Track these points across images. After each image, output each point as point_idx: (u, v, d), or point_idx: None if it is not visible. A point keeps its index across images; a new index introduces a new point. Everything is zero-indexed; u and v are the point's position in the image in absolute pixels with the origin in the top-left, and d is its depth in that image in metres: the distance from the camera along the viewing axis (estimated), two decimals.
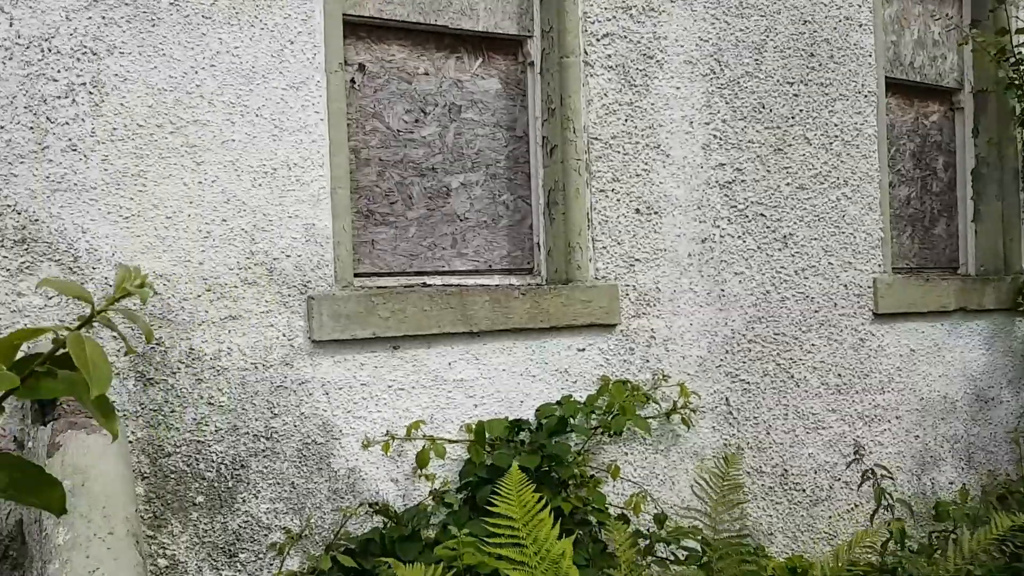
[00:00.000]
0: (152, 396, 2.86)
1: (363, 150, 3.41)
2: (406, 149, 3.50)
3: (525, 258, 3.75)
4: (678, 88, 3.95)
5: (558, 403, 3.52)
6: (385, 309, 3.20)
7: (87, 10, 2.82)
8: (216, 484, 2.95)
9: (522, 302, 3.48)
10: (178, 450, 2.89)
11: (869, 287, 4.55)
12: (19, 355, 0.89)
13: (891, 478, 4.56)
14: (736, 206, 4.11)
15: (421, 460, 3.20)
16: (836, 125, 4.47)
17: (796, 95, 4.33)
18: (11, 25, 2.73)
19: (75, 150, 2.79)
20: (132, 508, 1.64)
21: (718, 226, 4.05)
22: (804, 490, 4.34)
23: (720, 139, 4.07)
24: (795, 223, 4.31)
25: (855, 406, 4.53)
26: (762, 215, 4.19)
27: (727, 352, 4.07)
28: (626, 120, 3.81)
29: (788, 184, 4.29)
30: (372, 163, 3.43)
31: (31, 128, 2.74)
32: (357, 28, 3.40)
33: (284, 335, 3.06)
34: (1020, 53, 4.93)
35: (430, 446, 3.21)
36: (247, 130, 3.04)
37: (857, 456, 4.49)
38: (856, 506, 4.52)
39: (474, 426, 3.32)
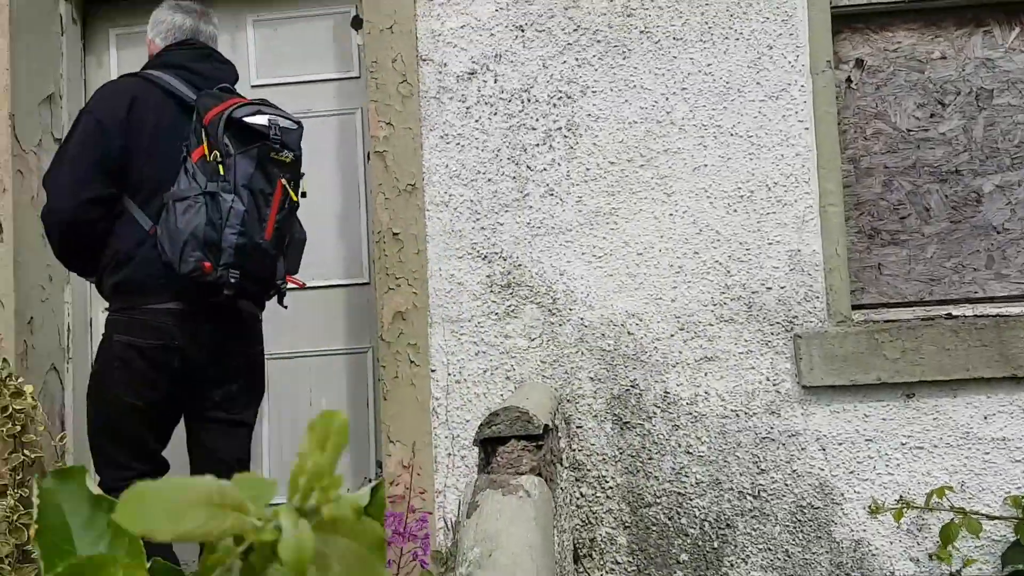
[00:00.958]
0: (629, 441, 2.73)
1: (863, 158, 2.89)
2: (919, 151, 2.88)
3: None
4: None
5: None
6: (893, 348, 2.64)
7: (561, 55, 2.85)
8: (700, 543, 2.69)
9: None
10: (658, 501, 2.71)
11: None
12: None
13: None
14: None
15: (946, 536, 2.55)
16: None
17: None
18: (495, 81, 2.87)
19: (552, 194, 2.82)
20: None
21: None
22: None
23: None
24: None
25: None
26: None
27: None
28: None
29: None
30: (875, 172, 2.88)
31: (513, 178, 2.84)
32: (850, 19, 2.91)
33: (768, 379, 2.70)
34: None
35: (960, 520, 2.54)
36: (720, 152, 2.77)
37: None
38: None
39: (1022, 500, 2.54)
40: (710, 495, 2.69)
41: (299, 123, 2.26)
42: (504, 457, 1.83)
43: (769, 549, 2.67)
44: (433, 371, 2.80)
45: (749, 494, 2.68)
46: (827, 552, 2.66)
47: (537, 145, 2.84)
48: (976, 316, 2.74)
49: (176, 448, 2.41)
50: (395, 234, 2.82)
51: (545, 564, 1.56)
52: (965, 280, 2.84)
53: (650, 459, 2.72)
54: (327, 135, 3.29)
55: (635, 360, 2.74)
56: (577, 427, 2.74)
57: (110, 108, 2.18)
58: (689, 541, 2.69)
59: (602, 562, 2.70)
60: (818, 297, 2.70)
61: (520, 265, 2.81)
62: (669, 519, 2.70)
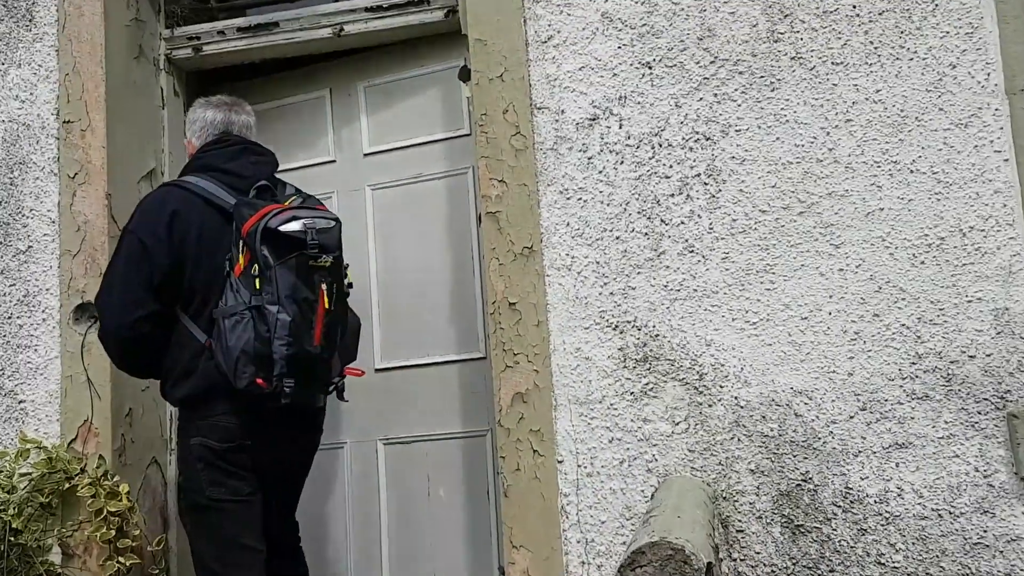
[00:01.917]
0: (804, 548, 2.24)
1: None
2: None
3: None
4: None
5: None
6: None
7: (697, 91, 2.47)
8: None
9: None
10: None
11: None
12: None
13: None
14: None
15: None
16: None
17: None
18: (620, 127, 2.51)
19: (692, 251, 2.41)
20: None
21: None
22: None
23: None
24: None
25: None
26: None
27: None
28: None
29: None
30: None
31: (646, 234, 2.45)
32: None
33: (976, 469, 2.17)
34: None
35: None
36: (898, 193, 2.30)
37: None
38: None
39: None
40: None
41: (336, 219, 2.28)
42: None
43: None
44: (560, 462, 2.41)
45: None
46: None
47: (672, 195, 2.45)
48: None
49: None
50: (511, 304, 2.47)
51: None
52: None
53: (831, 572, 2.21)
54: (436, 199, 3.02)
55: (806, 448, 2.26)
56: (737, 531, 2.27)
57: (151, 226, 2.23)
58: None
59: None
60: None
61: (658, 335, 2.40)
62: None
